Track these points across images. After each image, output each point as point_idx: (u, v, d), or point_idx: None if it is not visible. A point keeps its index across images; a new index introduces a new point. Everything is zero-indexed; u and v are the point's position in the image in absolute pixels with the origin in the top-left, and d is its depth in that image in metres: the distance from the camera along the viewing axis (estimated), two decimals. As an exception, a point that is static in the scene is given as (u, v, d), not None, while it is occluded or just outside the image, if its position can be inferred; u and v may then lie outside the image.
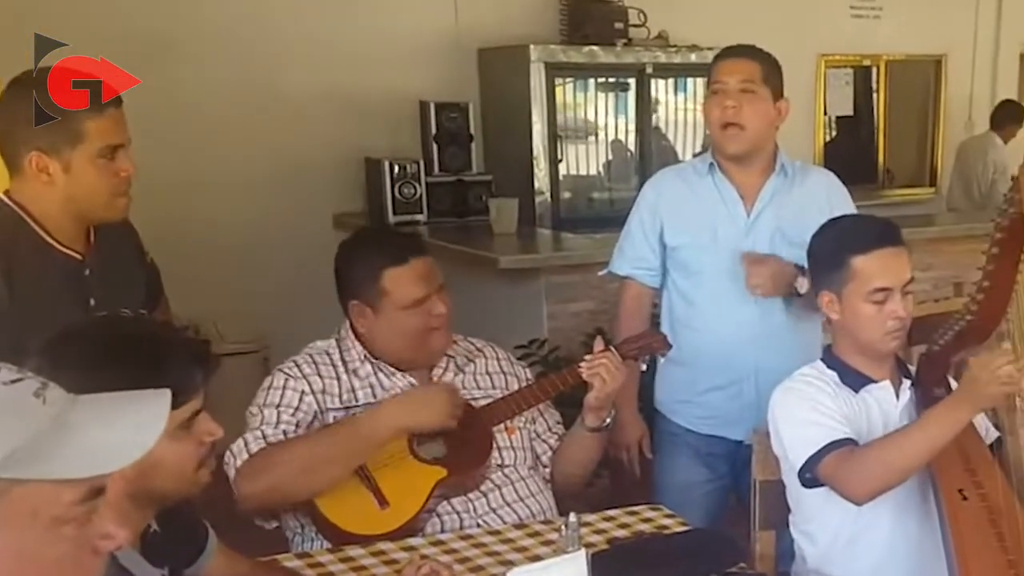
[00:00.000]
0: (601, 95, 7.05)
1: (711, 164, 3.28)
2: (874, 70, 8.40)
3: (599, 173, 7.10)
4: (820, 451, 2.50)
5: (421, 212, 6.08)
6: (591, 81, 6.94)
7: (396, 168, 6.05)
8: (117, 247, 2.65)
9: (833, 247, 2.68)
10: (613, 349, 2.85)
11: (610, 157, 7.11)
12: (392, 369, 2.80)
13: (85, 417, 1.26)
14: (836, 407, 2.58)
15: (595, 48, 6.59)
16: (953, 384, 2.68)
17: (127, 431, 1.27)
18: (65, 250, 2.52)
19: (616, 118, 7.09)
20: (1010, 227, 2.52)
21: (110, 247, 2.62)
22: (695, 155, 6.95)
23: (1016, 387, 2.34)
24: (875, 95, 8.46)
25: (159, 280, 2.88)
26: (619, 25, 6.70)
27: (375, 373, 2.79)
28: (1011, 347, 2.37)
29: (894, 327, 2.59)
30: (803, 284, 3.11)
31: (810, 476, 2.55)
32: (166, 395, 1.33)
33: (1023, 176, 2.48)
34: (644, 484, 3.46)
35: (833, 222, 2.85)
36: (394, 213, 5.99)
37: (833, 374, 2.66)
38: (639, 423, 3.38)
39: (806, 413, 2.58)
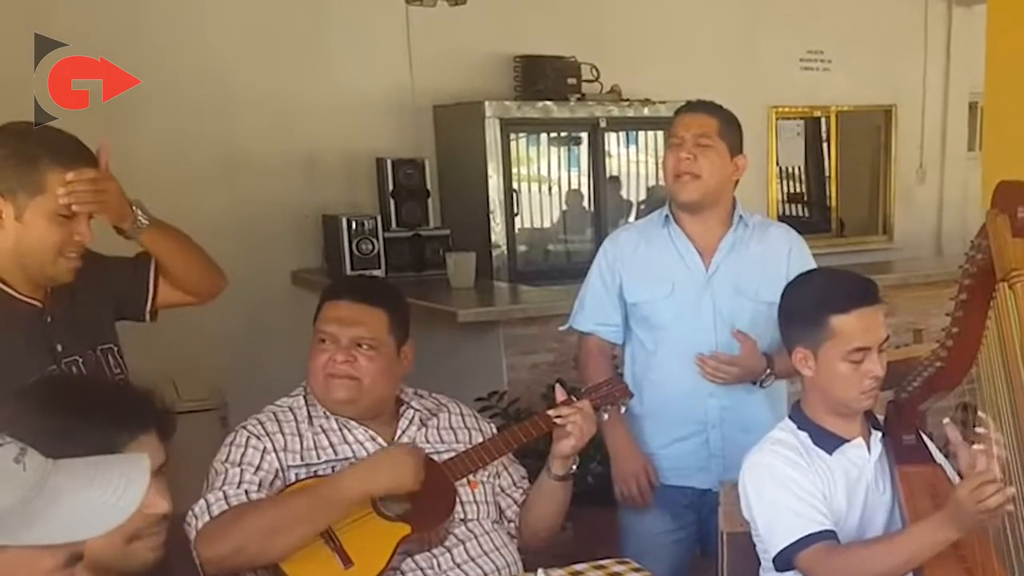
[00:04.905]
0: (555, 149, 7.10)
1: (667, 216, 3.31)
2: (824, 121, 8.50)
3: (554, 226, 7.14)
4: (798, 542, 2.48)
5: (379, 267, 6.06)
6: (544, 135, 6.99)
7: (354, 224, 6.04)
8: (78, 288, 2.60)
9: (811, 304, 2.64)
10: (574, 399, 2.86)
11: (565, 209, 7.15)
12: (355, 423, 2.78)
13: (65, 483, 1.25)
14: (811, 484, 2.55)
15: (549, 103, 6.64)
16: (925, 437, 2.69)
17: (107, 495, 1.25)
18: (24, 298, 2.50)
19: (570, 171, 7.13)
20: (978, 273, 2.52)
21: (70, 290, 2.58)
22: (639, 203, 7.05)
23: (1003, 510, 2.31)
24: (826, 145, 8.56)
25: (136, 271, 2.80)
26: (572, 81, 6.76)
27: (339, 429, 2.78)
28: (997, 466, 2.31)
29: (870, 386, 2.57)
30: (769, 380, 3.14)
31: (784, 562, 2.53)
32: (144, 459, 1.31)
33: (990, 222, 2.48)
34: (608, 534, 3.45)
35: (809, 277, 2.84)
36: (352, 268, 5.96)
37: (805, 435, 2.64)
38: (639, 453, 3.32)
39: (781, 497, 2.55)
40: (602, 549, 3.06)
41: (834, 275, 2.84)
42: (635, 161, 7.29)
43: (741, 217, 3.30)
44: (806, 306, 2.66)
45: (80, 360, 2.55)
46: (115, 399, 1.86)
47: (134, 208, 2.64)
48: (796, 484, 2.55)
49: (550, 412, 2.83)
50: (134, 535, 1.79)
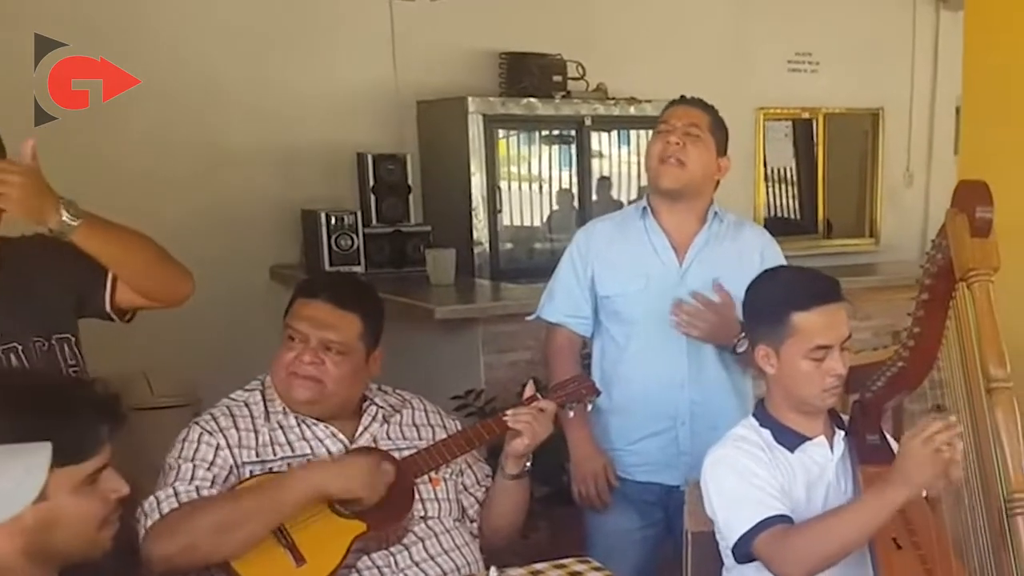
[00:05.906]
0: (543, 147, 7.06)
1: (644, 208, 3.29)
2: (813, 123, 8.48)
3: (540, 224, 7.10)
4: (753, 529, 2.47)
5: (359, 263, 6.02)
6: (533, 134, 6.94)
7: (333, 219, 5.99)
8: (37, 275, 2.54)
9: (773, 302, 2.64)
10: (539, 396, 2.84)
11: (554, 208, 7.12)
12: (314, 420, 2.75)
13: None
14: (770, 476, 2.55)
15: (533, 100, 6.60)
16: (889, 437, 2.68)
17: (7, 483, 1.23)
18: None
19: (559, 170, 7.09)
20: (938, 273, 2.51)
21: (27, 277, 2.52)
22: (630, 203, 7.01)
23: (953, 458, 2.27)
24: (814, 147, 8.54)
25: (93, 268, 2.62)
26: (558, 78, 6.72)
27: (298, 425, 2.74)
28: (948, 417, 2.31)
29: (832, 384, 2.57)
30: (743, 344, 3.12)
31: (744, 553, 2.52)
32: (46, 448, 1.29)
33: (950, 222, 2.48)
34: (582, 533, 3.43)
35: (772, 275, 2.83)
36: (331, 264, 5.93)
37: (767, 433, 2.64)
38: (599, 454, 3.29)
39: (740, 488, 2.54)
40: (576, 548, 3.04)
41: (796, 272, 2.83)
42: (627, 162, 7.26)
43: (716, 213, 3.29)
44: (768, 303, 2.66)
45: (19, 348, 2.49)
46: (61, 392, 1.85)
47: (60, 208, 2.42)
48: (754, 475, 2.54)
49: (509, 412, 2.80)
50: (104, 521, 1.83)
